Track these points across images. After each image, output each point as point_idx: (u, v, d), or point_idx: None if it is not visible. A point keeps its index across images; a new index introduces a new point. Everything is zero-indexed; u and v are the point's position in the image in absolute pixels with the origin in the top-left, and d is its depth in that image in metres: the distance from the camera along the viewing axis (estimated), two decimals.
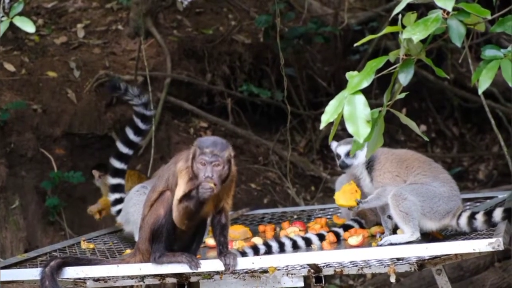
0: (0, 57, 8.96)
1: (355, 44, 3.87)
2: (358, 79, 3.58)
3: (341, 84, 3.46)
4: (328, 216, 6.25)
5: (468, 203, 6.10)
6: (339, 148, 5.38)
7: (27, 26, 4.07)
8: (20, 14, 4.12)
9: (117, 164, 6.43)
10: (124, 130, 6.46)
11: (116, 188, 6.48)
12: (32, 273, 5.07)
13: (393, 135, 10.47)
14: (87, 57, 9.29)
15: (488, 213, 5.08)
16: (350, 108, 3.56)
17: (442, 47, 10.32)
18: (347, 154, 5.34)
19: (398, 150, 5.52)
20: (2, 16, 4.13)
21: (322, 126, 3.61)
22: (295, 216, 6.55)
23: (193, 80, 9.67)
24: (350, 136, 3.68)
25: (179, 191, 4.80)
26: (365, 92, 3.62)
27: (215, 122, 9.67)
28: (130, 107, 6.53)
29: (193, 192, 4.73)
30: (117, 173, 6.45)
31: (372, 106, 3.67)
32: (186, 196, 4.76)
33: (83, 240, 6.06)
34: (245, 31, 10.27)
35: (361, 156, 5.33)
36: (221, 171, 4.70)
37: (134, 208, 5.98)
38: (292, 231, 5.78)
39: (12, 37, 9.18)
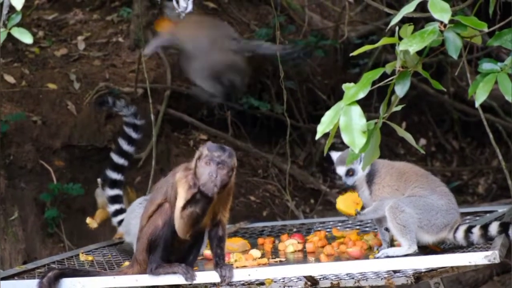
0: (0, 68, 8.97)
1: (351, 54, 3.88)
2: (355, 90, 3.60)
3: (341, 97, 3.49)
4: (328, 229, 6.24)
5: (468, 217, 6.08)
6: (338, 169, 5.37)
7: (25, 37, 4.06)
8: (19, 25, 4.12)
9: (113, 175, 6.49)
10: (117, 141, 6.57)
11: (115, 199, 6.51)
12: (30, 285, 5.07)
13: (392, 148, 10.47)
14: (87, 69, 9.30)
15: (484, 227, 5.06)
16: (346, 119, 3.57)
17: (442, 61, 10.32)
18: (347, 174, 5.33)
19: (397, 163, 5.50)
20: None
21: (318, 136, 3.62)
22: (295, 229, 6.54)
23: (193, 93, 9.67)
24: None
25: (180, 199, 4.80)
26: (365, 105, 3.63)
27: (214, 135, 9.66)
28: None
29: (197, 195, 4.73)
30: (115, 184, 6.50)
31: (371, 120, 3.68)
32: (190, 202, 4.77)
33: (82, 253, 6.06)
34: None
35: (360, 171, 5.31)
36: (225, 175, 4.72)
37: (136, 220, 5.96)
38: (290, 243, 5.78)
39: (12, 49, 9.20)
